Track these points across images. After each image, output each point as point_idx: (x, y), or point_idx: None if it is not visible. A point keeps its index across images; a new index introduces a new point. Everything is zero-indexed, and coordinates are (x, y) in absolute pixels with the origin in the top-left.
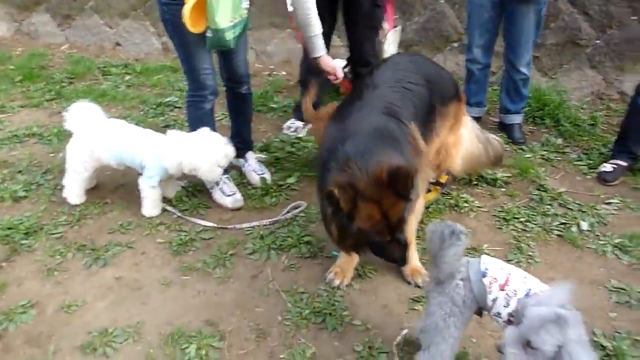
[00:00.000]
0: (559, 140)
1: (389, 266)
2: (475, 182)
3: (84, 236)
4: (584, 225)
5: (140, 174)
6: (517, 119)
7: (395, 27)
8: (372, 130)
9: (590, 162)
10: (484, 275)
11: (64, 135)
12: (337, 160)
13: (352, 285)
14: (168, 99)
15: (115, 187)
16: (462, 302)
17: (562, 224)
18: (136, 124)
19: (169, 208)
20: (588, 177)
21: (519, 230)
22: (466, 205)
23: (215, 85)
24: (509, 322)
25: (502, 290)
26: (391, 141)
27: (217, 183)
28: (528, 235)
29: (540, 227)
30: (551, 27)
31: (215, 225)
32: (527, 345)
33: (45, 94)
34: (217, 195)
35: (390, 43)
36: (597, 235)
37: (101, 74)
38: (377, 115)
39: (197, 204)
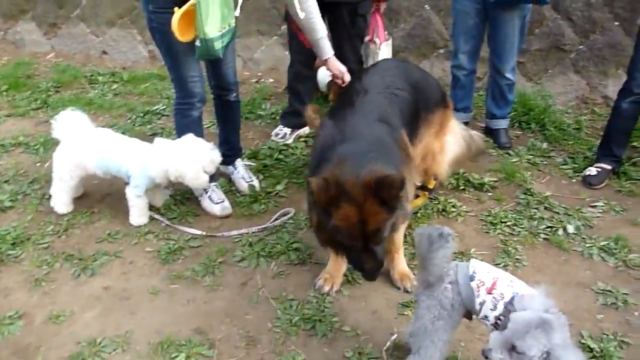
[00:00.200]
0: (545, 145)
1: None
2: (463, 187)
3: (71, 246)
4: (570, 229)
5: (127, 183)
6: (503, 123)
7: (387, 39)
8: (367, 137)
9: (576, 165)
10: (471, 278)
11: (51, 144)
12: (332, 160)
13: (341, 291)
14: (155, 107)
15: (102, 196)
16: (451, 306)
17: (549, 227)
18: (123, 133)
19: (157, 216)
20: (573, 180)
21: (506, 234)
22: (454, 210)
23: (203, 92)
24: (497, 325)
25: (490, 293)
26: (385, 149)
27: (205, 191)
28: (515, 239)
29: (527, 230)
30: (535, 32)
31: (203, 233)
32: (512, 350)
33: (32, 103)
34: (206, 203)
35: (383, 55)
36: (583, 238)
37: (88, 83)
38: (372, 122)
39: (185, 212)
